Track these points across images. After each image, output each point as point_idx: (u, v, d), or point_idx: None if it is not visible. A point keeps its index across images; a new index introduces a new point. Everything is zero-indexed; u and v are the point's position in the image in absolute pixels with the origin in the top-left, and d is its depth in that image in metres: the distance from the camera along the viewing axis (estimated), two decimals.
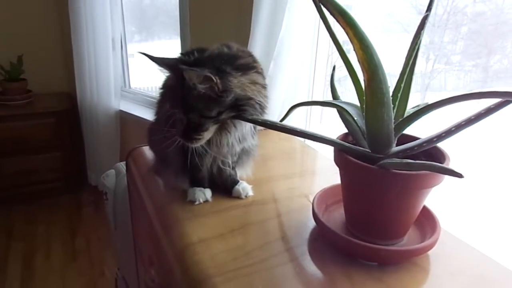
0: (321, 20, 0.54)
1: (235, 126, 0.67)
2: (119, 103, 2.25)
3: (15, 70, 2.25)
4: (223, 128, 0.66)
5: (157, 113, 0.80)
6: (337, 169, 0.60)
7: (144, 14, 2.58)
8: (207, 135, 0.65)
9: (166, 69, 0.64)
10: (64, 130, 2.32)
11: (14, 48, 2.31)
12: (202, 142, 0.65)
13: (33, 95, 2.35)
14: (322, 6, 0.51)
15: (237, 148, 0.72)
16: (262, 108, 0.67)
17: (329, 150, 0.61)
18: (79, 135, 2.42)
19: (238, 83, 0.63)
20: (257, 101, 0.66)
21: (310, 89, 1.24)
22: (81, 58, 2.16)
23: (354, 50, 0.49)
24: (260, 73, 0.69)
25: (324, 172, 0.94)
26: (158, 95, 0.79)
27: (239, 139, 0.70)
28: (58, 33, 2.49)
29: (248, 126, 0.69)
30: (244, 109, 0.64)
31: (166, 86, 0.73)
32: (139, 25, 2.62)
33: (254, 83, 0.66)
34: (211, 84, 0.60)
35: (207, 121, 0.62)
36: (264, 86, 0.69)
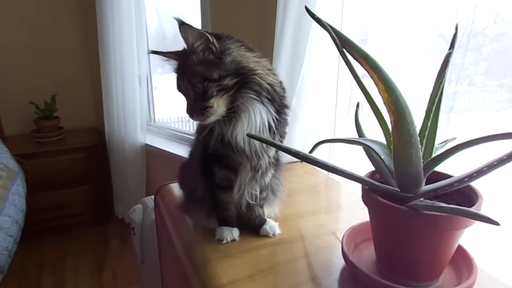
0: (340, 57, 0.55)
1: (247, 109, 0.64)
2: (145, 137, 2.32)
3: (49, 109, 2.38)
4: (235, 113, 0.64)
5: (191, 153, 0.82)
6: (363, 205, 0.60)
7: (167, 48, 2.70)
8: (216, 106, 0.63)
9: (172, 57, 0.68)
10: (92, 165, 2.40)
11: (48, 88, 2.45)
12: (213, 115, 0.63)
13: (64, 131, 2.46)
14: (345, 51, 0.52)
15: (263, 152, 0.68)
16: (274, 96, 0.66)
17: (353, 183, 0.60)
18: (107, 169, 2.49)
19: (239, 52, 0.64)
20: (264, 80, 0.64)
21: (332, 122, 1.25)
22: (109, 95, 2.26)
23: (379, 93, 0.50)
24: (268, 62, 0.69)
25: (350, 207, 0.93)
26: (193, 137, 0.81)
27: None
28: (88, 73, 2.64)
29: (258, 118, 0.65)
30: (248, 80, 0.63)
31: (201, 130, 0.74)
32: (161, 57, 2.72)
33: (260, 63, 0.66)
34: (208, 44, 0.61)
35: (210, 84, 0.62)
36: (274, 73, 0.68)
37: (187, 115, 0.65)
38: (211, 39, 0.62)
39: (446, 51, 0.57)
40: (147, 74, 2.34)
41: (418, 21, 1.18)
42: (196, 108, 0.63)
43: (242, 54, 0.64)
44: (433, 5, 1.14)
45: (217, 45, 0.62)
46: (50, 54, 2.51)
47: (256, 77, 0.64)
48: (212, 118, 0.64)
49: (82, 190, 2.41)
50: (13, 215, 1.59)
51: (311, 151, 0.68)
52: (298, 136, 1.17)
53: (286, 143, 0.71)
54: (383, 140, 0.60)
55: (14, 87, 2.43)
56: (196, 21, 1.90)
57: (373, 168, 0.63)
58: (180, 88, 0.66)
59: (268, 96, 0.65)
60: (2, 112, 2.43)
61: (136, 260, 1.51)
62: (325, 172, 1.13)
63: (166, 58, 0.69)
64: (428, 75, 1.21)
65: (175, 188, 0.97)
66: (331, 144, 1.27)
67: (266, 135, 0.66)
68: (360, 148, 0.64)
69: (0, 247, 1.39)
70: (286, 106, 0.69)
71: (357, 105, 0.71)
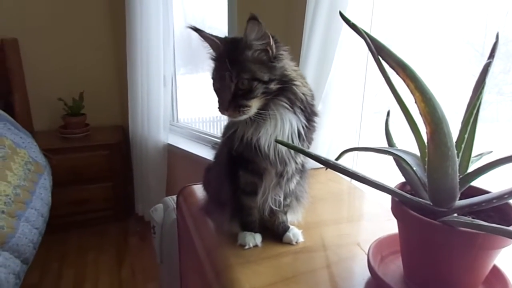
0: (368, 63, 0.53)
1: (274, 116, 0.64)
2: (168, 137, 2.35)
3: (77, 106, 2.44)
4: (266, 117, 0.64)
5: (217, 156, 0.81)
6: (388, 216, 0.58)
7: (190, 49, 2.73)
8: (254, 106, 0.62)
9: (214, 42, 0.66)
10: (116, 162, 2.44)
11: (76, 85, 2.52)
12: (246, 115, 0.62)
13: (90, 128, 2.52)
14: (380, 59, 0.51)
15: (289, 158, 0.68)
16: (306, 105, 0.66)
17: (376, 191, 0.58)
18: (129, 166, 2.54)
19: (287, 60, 0.65)
20: (300, 90, 0.65)
21: (357, 129, 1.22)
22: (135, 94, 2.30)
23: (416, 102, 0.48)
24: (301, 72, 0.69)
25: (373, 217, 0.90)
26: (220, 139, 0.81)
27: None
28: (114, 73, 2.70)
29: (287, 126, 0.64)
30: (287, 88, 0.63)
31: (228, 128, 0.73)
32: (185, 58, 2.76)
33: (297, 72, 0.67)
34: (267, 46, 0.61)
35: (258, 85, 0.61)
36: (307, 83, 0.69)
37: (217, 109, 0.64)
38: (272, 42, 0.62)
39: (473, 59, 0.55)
40: (171, 74, 2.37)
41: (445, 28, 1.15)
42: (233, 104, 0.62)
43: (288, 62, 0.66)
44: (461, 12, 1.10)
45: (274, 50, 0.63)
46: (79, 53, 2.58)
47: (294, 87, 0.64)
48: (243, 117, 0.63)
49: (105, 186, 2.46)
50: (39, 208, 1.64)
51: (337, 158, 0.66)
52: (323, 142, 1.15)
53: (310, 149, 0.70)
54: (412, 150, 0.58)
55: (44, 84, 2.52)
56: (222, 23, 1.91)
57: (403, 179, 0.61)
58: (220, 78, 0.64)
59: (301, 106, 0.66)
60: (33, 108, 2.52)
61: (155, 258, 1.53)
62: (348, 179, 1.11)
63: (203, 39, 0.67)
64: (455, 84, 1.17)
65: (198, 190, 0.97)
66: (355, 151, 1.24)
67: (296, 142, 0.66)
68: (385, 157, 0.62)
69: (26, 239, 1.43)
70: (315, 114, 0.69)
71: (388, 114, 0.69)
